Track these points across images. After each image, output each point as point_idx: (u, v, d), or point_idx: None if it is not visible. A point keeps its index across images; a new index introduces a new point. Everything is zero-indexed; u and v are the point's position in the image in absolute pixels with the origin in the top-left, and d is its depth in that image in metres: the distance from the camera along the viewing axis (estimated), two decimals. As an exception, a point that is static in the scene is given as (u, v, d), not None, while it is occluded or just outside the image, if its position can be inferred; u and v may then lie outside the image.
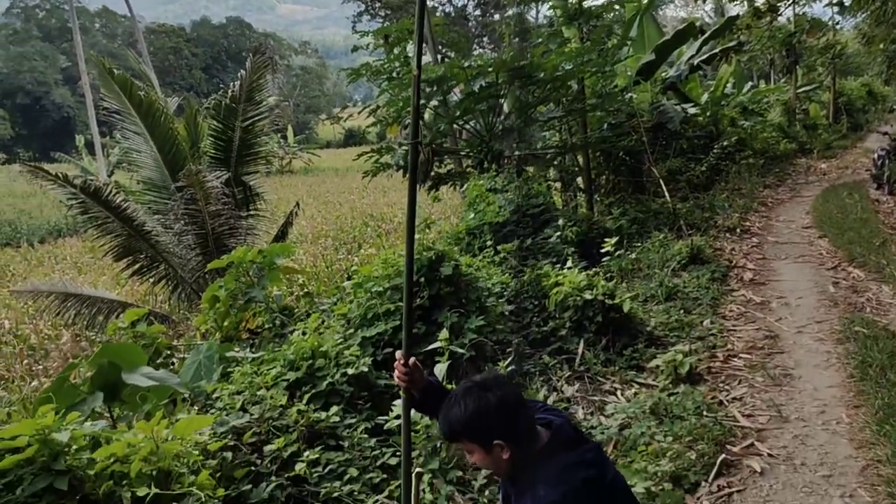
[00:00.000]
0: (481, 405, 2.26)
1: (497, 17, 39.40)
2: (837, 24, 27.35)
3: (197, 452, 3.27)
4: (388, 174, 12.24)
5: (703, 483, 4.25)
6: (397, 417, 4.17)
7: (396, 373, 2.61)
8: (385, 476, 4.09)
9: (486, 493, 4.04)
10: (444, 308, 5.64)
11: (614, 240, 8.41)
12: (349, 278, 6.44)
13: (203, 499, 3.03)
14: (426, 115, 11.65)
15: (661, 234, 10.08)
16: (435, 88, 10.37)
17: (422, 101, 10.53)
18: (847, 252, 9.34)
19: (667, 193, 11.51)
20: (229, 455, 3.76)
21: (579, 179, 12.96)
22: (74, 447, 2.92)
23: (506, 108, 11.44)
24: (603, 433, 4.89)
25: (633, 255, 9.26)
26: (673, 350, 6.03)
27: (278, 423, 4.19)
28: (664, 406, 5.12)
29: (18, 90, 58.16)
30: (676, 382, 5.64)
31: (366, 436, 4.35)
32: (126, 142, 11.55)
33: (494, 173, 10.08)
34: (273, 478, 3.81)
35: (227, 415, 4.16)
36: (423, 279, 5.72)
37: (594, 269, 8.21)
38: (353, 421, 4.50)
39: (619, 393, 5.70)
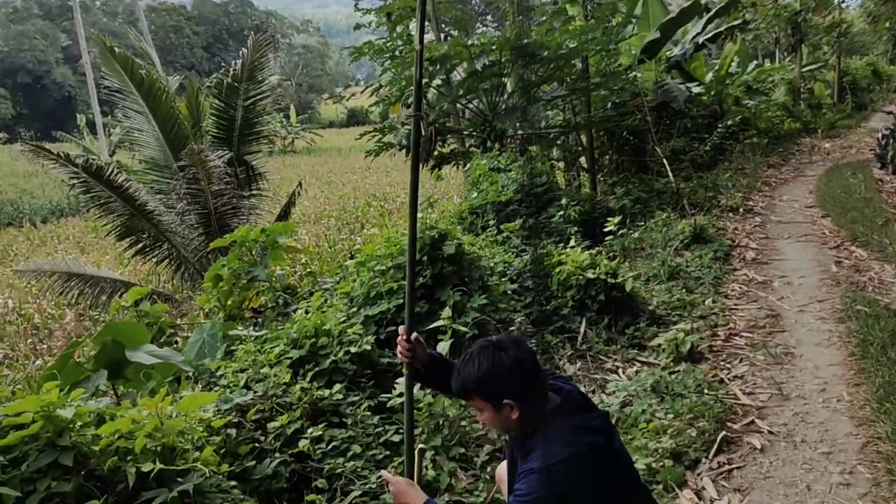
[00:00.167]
0: (494, 364, 2.29)
1: (500, -6, 39.04)
2: (843, 2, 27.11)
3: (201, 429, 3.30)
4: (391, 154, 12.20)
5: (704, 459, 4.28)
6: (400, 395, 4.19)
7: (399, 348, 2.63)
8: (388, 453, 4.12)
9: (488, 469, 4.07)
10: (446, 287, 5.65)
11: (617, 219, 8.41)
12: (352, 257, 6.45)
13: (207, 474, 3.06)
14: (429, 95, 11.59)
15: (664, 213, 10.06)
16: (438, 67, 10.31)
17: (424, 80, 10.50)
18: (850, 231, 9.32)
19: (670, 173, 11.48)
20: (233, 432, 3.78)
21: (582, 159, 12.93)
22: (79, 423, 2.95)
23: (509, 86, 11.38)
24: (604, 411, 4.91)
25: (636, 235, 9.25)
26: (675, 329, 6.04)
27: (282, 400, 4.21)
28: (665, 384, 5.14)
29: (19, 69, 57.91)
30: (678, 361, 5.66)
31: (369, 413, 4.37)
32: (128, 121, 11.54)
33: (497, 153, 10.04)
34: (277, 454, 3.84)
35: (230, 392, 4.18)
36: (425, 258, 5.72)
37: (597, 249, 8.22)
38: (357, 399, 4.52)
39: (620, 371, 5.72)
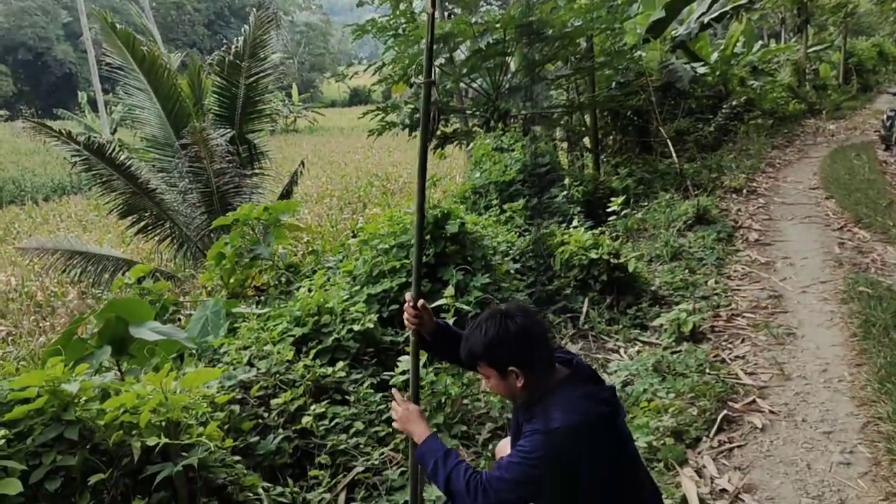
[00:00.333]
0: (500, 331, 2.31)
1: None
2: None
3: (205, 405, 3.32)
4: (394, 133, 12.14)
5: (705, 438, 4.30)
6: (402, 373, 4.21)
7: (406, 315, 2.63)
8: (390, 430, 4.13)
9: (490, 446, 4.09)
10: (449, 266, 5.65)
11: (621, 199, 8.40)
12: (354, 235, 6.45)
13: (212, 448, 3.08)
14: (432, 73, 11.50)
15: (667, 194, 10.05)
16: (441, 45, 10.22)
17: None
18: (853, 213, 9.31)
19: (674, 154, 11.43)
20: (237, 408, 3.80)
21: (586, 139, 12.87)
22: (84, 398, 2.96)
23: (513, 66, 11.30)
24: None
25: (639, 215, 9.25)
26: (677, 309, 6.05)
27: (285, 377, 4.23)
28: (667, 364, 5.16)
29: (20, 46, 57.53)
30: (679, 341, 5.67)
31: (371, 391, 4.39)
32: (129, 98, 11.48)
33: (501, 132, 10.00)
34: (280, 430, 3.87)
35: (234, 369, 4.20)
36: (428, 236, 5.71)
37: (600, 229, 8.21)
38: (359, 376, 4.54)
39: (622, 351, 5.74)
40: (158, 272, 9.63)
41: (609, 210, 8.64)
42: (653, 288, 6.79)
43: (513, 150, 9.31)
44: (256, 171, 11.87)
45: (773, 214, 9.81)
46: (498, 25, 9.91)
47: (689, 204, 9.28)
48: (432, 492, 3.63)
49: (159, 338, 4.17)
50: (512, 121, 10.91)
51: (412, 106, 11.19)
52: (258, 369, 4.24)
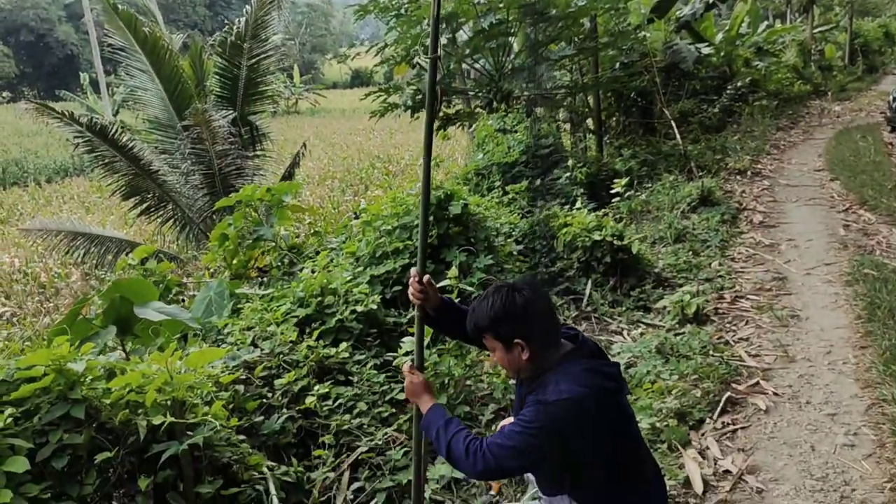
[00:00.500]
0: (506, 304, 2.31)
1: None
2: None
3: (210, 384, 3.32)
4: (396, 115, 12.07)
5: (708, 420, 4.31)
6: (406, 354, 4.21)
7: (411, 289, 2.63)
8: (394, 410, 4.15)
9: (493, 427, 4.10)
10: (452, 247, 5.64)
11: (624, 181, 8.36)
12: (357, 217, 6.43)
13: (217, 428, 3.09)
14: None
15: (671, 175, 10.01)
16: (444, 26, 10.14)
17: (429, 39, 10.33)
18: (858, 195, 9.27)
19: (678, 135, 11.37)
20: (241, 388, 3.82)
21: (589, 121, 12.79)
22: (90, 377, 2.97)
23: (516, 46, 11.21)
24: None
25: (643, 197, 9.22)
26: (680, 291, 6.05)
27: (288, 358, 4.24)
28: (670, 345, 5.16)
29: (22, 27, 57.22)
30: (683, 323, 5.67)
31: (374, 372, 4.39)
32: (131, 80, 11.43)
33: (504, 113, 9.94)
34: (284, 410, 3.88)
35: (238, 349, 4.20)
36: (431, 218, 5.69)
37: (603, 211, 8.19)
38: (363, 357, 4.54)
39: (625, 333, 5.73)
40: (161, 253, 9.63)
41: (612, 192, 8.61)
42: (656, 270, 6.77)
43: (516, 132, 9.27)
44: (258, 152, 11.84)
45: (778, 196, 9.77)
46: (501, 5, 9.82)
47: (693, 186, 9.25)
48: (435, 471, 3.64)
49: (164, 318, 4.18)
50: (515, 102, 10.84)
51: (414, 87, 11.11)
52: (262, 350, 4.24)
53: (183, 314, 4.46)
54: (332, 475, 3.66)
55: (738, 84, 15.62)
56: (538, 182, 8.53)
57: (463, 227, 5.81)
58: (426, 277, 2.62)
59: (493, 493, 3.63)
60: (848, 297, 6.03)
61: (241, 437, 3.43)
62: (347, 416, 3.97)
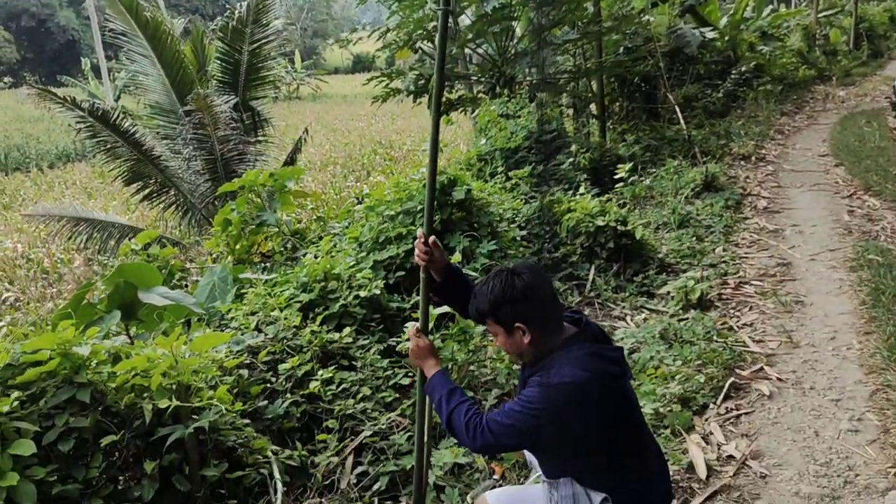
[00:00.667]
0: (507, 288, 2.31)
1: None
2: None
3: (215, 368, 3.33)
4: (398, 100, 12.02)
5: (712, 405, 4.31)
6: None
7: (416, 251, 2.61)
8: (398, 395, 4.15)
9: (497, 412, 4.10)
10: (455, 232, 5.63)
11: (628, 166, 8.34)
12: (359, 202, 6.41)
13: (222, 412, 3.10)
14: (435, 40, 11.35)
15: (674, 161, 9.97)
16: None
17: (431, 24, 10.27)
18: (863, 180, 9.23)
19: (682, 120, 11.32)
20: (245, 373, 3.82)
21: (592, 106, 12.74)
22: (95, 361, 2.98)
23: (518, 31, 11.14)
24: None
25: (647, 183, 9.18)
26: (684, 277, 6.04)
27: (292, 343, 4.24)
28: (674, 331, 5.16)
29: (23, 12, 56.97)
30: (687, 308, 5.66)
31: (378, 357, 4.39)
32: (133, 65, 11.41)
33: (507, 98, 9.90)
34: (288, 395, 3.89)
35: (242, 334, 4.21)
36: (434, 203, 5.67)
37: (607, 196, 8.17)
38: (366, 342, 4.54)
39: (629, 318, 5.73)
40: (164, 239, 9.64)
41: (616, 177, 8.58)
42: (660, 255, 6.76)
43: (519, 117, 9.23)
44: (260, 138, 11.82)
45: (782, 182, 9.73)
46: (505, -11, 9.74)
47: (696, 171, 9.21)
48: (440, 457, 3.65)
49: (168, 303, 4.18)
50: (518, 87, 10.79)
51: (417, 72, 11.05)
52: (266, 335, 4.24)
53: (187, 299, 4.47)
54: (335, 459, 3.67)
55: (743, 69, 15.51)
56: (541, 167, 8.50)
57: (466, 213, 5.79)
58: (432, 239, 2.60)
59: (496, 477, 3.64)
60: (852, 282, 6.02)
61: (246, 421, 3.44)
62: (351, 401, 3.97)
